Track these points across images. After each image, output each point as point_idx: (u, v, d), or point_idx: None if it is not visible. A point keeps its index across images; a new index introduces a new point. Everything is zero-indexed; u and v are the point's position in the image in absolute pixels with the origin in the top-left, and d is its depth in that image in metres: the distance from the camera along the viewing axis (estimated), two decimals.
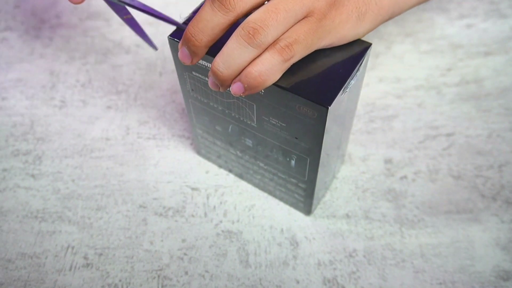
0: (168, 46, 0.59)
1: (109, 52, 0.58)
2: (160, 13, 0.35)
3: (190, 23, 0.31)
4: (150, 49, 0.59)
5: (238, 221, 0.44)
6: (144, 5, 0.36)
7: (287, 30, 0.30)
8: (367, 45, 0.34)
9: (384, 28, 0.61)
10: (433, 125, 0.51)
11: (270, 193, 0.46)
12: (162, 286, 0.41)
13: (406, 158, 0.49)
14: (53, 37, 0.60)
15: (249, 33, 0.29)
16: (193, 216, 0.45)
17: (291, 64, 0.31)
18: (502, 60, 0.56)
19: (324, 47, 0.33)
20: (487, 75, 0.55)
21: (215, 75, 0.31)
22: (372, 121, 0.52)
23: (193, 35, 0.31)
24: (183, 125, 0.51)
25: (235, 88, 0.31)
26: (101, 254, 0.42)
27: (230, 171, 0.47)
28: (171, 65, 0.57)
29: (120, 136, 0.51)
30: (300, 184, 0.41)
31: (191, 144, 0.50)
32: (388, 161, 0.48)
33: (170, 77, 0.56)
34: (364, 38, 0.44)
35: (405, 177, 0.47)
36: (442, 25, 0.60)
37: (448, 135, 0.50)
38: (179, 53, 0.33)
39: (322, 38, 0.32)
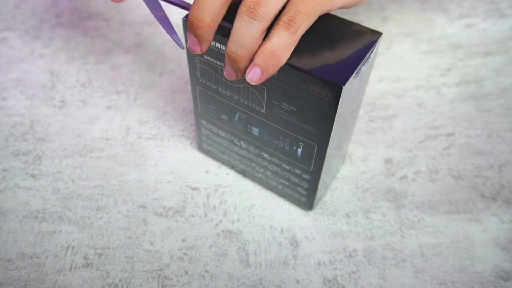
0: (168, 46, 0.59)
1: (109, 52, 0.58)
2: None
3: (191, 7, 0.31)
4: (150, 49, 0.59)
5: (238, 221, 0.44)
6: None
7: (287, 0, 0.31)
8: (378, 34, 0.35)
9: (384, 28, 0.61)
10: (433, 125, 0.51)
11: (272, 189, 0.46)
12: (162, 286, 0.41)
13: (406, 158, 0.49)
14: (53, 37, 0.60)
15: (250, 8, 0.30)
16: (193, 216, 0.45)
17: (300, 36, 0.31)
18: (502, 60, 0.56)
19: (330, 11, 0.33)
20: (487, 75, 0.55)
21: (230, 58, 0.32)
22: (372, 121, 0.52)
23: (194, 16, 0.31)
24: (183, 125, 0.51)
25: (252, 75, 0.31)
26: (101, 254, 0.42)
27: (232, 167, 0.47)
28: (171, 65, 0.57)
29: (120, 136, 0.51)
30: (304, 176, 0.41)
31: (191, 144, 0.50)
32: (388, 161, 0.48)
33: (170, 77, 0.56)
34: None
35: (405, 177, 0.47)
36: (442, 25, 0.60)
37: (448, 135, 0.50)
38: (188, 42, 0.33)
39: (323, 3, 0.32)
